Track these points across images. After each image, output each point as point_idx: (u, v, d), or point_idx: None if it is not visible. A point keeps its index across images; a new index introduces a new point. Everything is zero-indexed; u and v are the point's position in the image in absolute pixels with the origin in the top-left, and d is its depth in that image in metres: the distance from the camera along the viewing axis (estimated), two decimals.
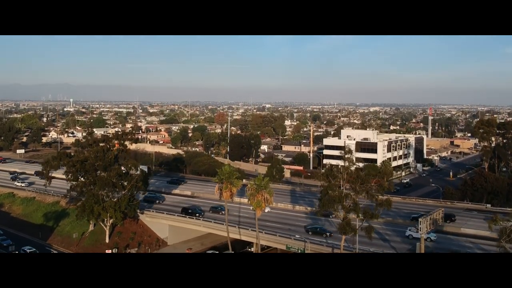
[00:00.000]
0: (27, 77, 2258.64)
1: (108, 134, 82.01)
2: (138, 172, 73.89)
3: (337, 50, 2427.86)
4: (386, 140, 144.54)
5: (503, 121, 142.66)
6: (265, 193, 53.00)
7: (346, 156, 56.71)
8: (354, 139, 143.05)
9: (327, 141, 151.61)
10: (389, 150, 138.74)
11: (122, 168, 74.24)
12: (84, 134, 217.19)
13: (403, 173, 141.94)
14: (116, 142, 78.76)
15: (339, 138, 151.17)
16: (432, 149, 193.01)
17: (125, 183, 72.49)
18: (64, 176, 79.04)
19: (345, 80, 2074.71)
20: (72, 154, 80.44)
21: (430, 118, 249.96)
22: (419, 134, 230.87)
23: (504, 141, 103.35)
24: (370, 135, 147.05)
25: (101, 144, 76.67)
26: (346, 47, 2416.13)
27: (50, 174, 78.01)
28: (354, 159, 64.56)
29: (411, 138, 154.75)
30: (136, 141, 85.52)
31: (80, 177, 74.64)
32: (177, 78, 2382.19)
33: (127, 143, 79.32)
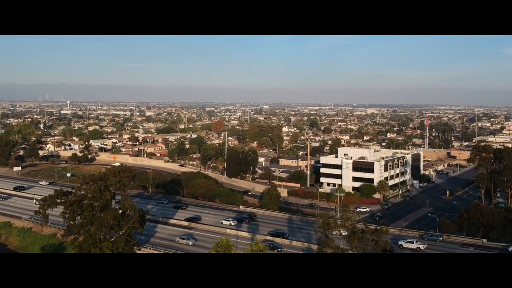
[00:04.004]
0: (24, 77, 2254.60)
1: (105, 172, 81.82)
2: (136, 214, 73.84)
3: (335, 50, 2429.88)
4: (383, 158, 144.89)
5: (500, 147, 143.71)
6: None
7: (345, 216, 56.56)
8: (351, 158, 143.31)
9: (324, 160, 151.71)
10: (386, 169, 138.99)
11: (119, 209, 74.18)
12: (81, 146, 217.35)
13: (400, 191, 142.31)
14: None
15: (336, 156, 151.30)
16: (429, 161, 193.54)
17: (122, 224, 72.49)
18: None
19: (343, 80, 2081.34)
20: (70, 190, 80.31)
21: (427, 128, 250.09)
22: (415, 147, 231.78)
23: (501, 169, 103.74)
24: (367, 153, 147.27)
25: (98, 183, 76.49)
26: (345, 47, 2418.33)
27: (47, 213, 78.02)
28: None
29: (408, 155, 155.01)
30: (133, 177, 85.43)
31: (77, 216, 74.64)
32: (175, 78, 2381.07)
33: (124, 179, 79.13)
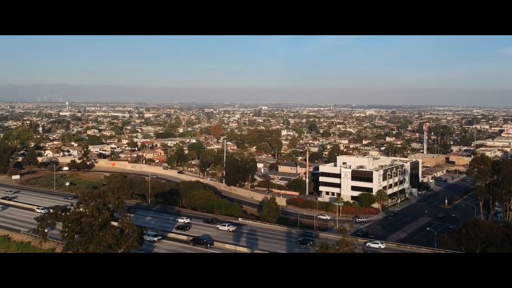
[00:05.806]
0: (22, 77, 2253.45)
1: (104, 190, 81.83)
2: (135, 232, 73.74)
3: (334, 51, 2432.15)
4: (381, 166, 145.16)
5: (499, 151, 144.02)
6: None
7: (344, 242, 56.69)
8: (350, 166, 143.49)
9: (323, 168, 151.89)
10: (384, 178, 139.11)
11: (117, 228, 74.17)
12: (80, 152, 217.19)
13: (399, 200, 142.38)
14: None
15: (335, 164, 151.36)
16: (427, 167, 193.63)
17: (121, 243, 72.47)
18: None
19: (342, 80, 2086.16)
20: (68, 207, 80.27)
21: (426, 133, 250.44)
22: (414, 152, 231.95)
23: (499, 181, 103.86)
24: (366, 162, 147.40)
25: (97, 200, 76.39)
26: (344, 48, 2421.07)
27: (45, 231, 77.99)
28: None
29: (407, 164, 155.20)
30: (132, 194, 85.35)
31: (75, 234, 74.59)
32: (174, 78, 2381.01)
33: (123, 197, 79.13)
